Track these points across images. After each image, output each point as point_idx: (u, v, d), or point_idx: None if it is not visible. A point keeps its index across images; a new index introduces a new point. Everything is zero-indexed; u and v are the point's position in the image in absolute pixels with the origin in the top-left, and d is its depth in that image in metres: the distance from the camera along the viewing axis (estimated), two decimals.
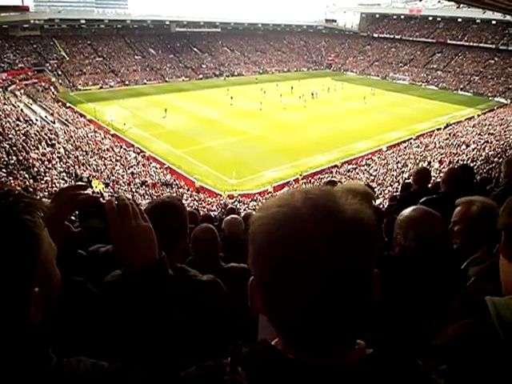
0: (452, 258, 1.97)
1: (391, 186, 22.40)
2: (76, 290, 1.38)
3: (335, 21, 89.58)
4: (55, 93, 45.65)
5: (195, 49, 70.16)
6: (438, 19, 74.27)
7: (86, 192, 1.08)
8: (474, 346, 0.87)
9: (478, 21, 67.89)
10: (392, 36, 78.86)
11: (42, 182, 19.02)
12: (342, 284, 0.59)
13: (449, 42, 70.81)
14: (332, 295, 0.59)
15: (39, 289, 0.71)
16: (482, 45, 66.82)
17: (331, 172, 27.33)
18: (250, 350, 0.66)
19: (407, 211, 1.99)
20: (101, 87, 51.75)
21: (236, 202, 21.93)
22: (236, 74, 66.23)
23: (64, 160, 23.33)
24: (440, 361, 0.78)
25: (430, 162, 26.26)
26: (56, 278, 0.82)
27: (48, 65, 52.82)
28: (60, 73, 52.26)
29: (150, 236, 1.01)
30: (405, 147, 32.23)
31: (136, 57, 62.64)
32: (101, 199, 1.04)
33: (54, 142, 25.62)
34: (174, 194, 22.25)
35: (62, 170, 21.76)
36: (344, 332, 0.63)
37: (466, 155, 26.00)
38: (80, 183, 1.19)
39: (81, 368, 0.77)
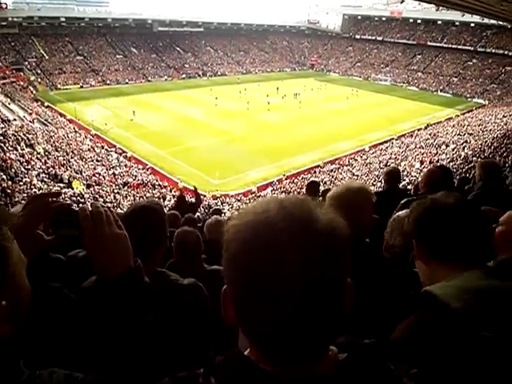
0: None
1: (373, 185, 22.67)
2: (52, 296, 1.35)
3: (318, 22, 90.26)
4: (34, 92, 44.68)
5: (178, 48, 69.67)
6: (419, 21, 75.65)
7: (59, 199, 1.06)
8: (427, 334, 0.92)
9: (457, 23, 69.45)
10: (374, 37, 79.93)
11: (21, 183, 18.58)
12: (317, 295, 0.59)
13: (429, 43, 72.16)
14: (307, 306, 0.59)
15: (7, 302, 0.69)
16: (460, 47, 68.37)
17: (314, 172, 27.52)
18: (223, 360, 0.65)
19: (398, 213, 2.03)
20: (81, 86, 50.89)
21: (220, 203, 21.88)
22: (219, 73, 66.06)
23: (43, 161, 22.86)
24: (407, 362, 0.79)
25: (411, 162, 26.72)
26: (25, 290, 0.79)
27: (27, 63, 51.68)
28: (39, 71, 51.21)
29: (125, 244, 0.99)
30: (386, 147, 32.72)
31: (118, 56, 61.83)
32: (74, 207, 1.02)
33: (33, 142, 25.08)
34: (157, 195, 22.05)
35: (41, 171, 21.31)
36: (318, 342, 0.63)
37: (446, 155, 26.54)
38: (53, 191, 1.16)
39: (54, 380, 0.75)
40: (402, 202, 3.95)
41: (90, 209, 0.98)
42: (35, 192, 17.67)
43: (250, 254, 0.60)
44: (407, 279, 1.72)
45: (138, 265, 1.03)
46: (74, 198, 19.12)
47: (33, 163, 21.81)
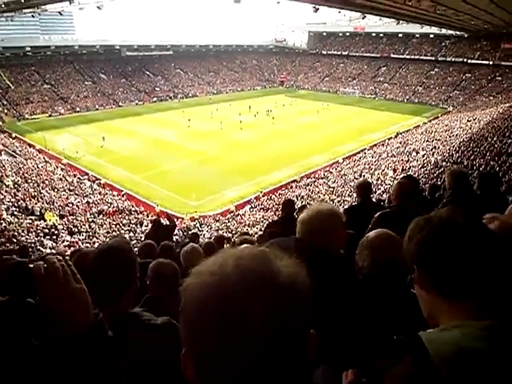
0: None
1: (350, 196, 22.99)
2: (17, 346, 1.27)
3: (285, 40, 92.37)
4: (0, 123, 43.61)
5: (148, 72, 69.73)
6: (381, 35, 78.46)
7: (10, 257, 1.00)
8: None
9: (417, 35, 72.36)
10: (340, 52, 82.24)
11: None
12: (280, 348, 0.58)
13: (392, 55, 74.81)
14: (269, 361, 0.58)
15: None
16: (422, 57, 71.15)
17: (291, 187, 27.72)
18: None
19: (368, 234, 1.98)
20: (50, 115, 50.00)
21: (198, 224, 21.68)
22: (190, 95, 66.32)
23: (13, 193, 22.18)
24: None
25: (384, 171, 27.29)
26: None
27: None
28: (5, 102, 50.11)
29: (83, 299, 0.94)
30: (360, 157, 33.37)
31: (86, 82, 61.30)
32: (28, 264, 0.96)
33: (1, 175, 24.34)
34: (134, 221, 21.67)
35: (11, 204, 20.65)
36: None
37: (417, 161, 27.26)
38: (4, 248, 1.10)
39: None
40: (377, 215, 3.99)
41: (45, 265, 0.92)
42: (5, 227, 17.08)
43: (206, 314, 0.59)
44: (377, 301, 1.69)
45: (99, 319, 0.98)
46: (47, 231, 18.57)
47: (1, 197, 21.12)
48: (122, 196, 25.82)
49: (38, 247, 15.17)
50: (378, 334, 1.41)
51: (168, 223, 8.32)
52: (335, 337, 1.40)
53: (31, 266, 0.94)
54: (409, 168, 26.08)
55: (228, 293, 0.59)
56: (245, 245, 0.77)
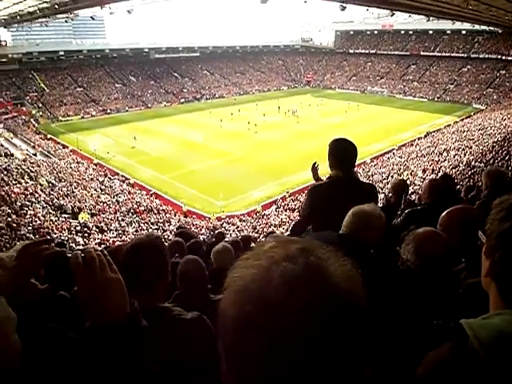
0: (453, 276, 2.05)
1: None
2: (52, 338, 1.31)
3: (311, 39, 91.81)
4: (36, 125, 45.37)
5: (175, 74, 70.86)
6: (410, 32, 76.74)
7: (50, 246, 1.04)
8: (456, 369, 0.85)
9: (448, 32, 70.36)
10: (367, 51, 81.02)
11: (26, 216, 18.67)
12: (327, 367, 0.51)
13: (422, 53, 73.04)
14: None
15: None
16: (454, 54, 69.15)
17: None
18: None
19: (416, 230, 2.14)
20: (82, 117, 51.64)
21: (224, 224, 21.83)
22: (217, 96, 66.91)
23: (47, 192, 23.01)
24: None
25: (413, 171, 26.67)
26: (11, 349, 0.76)
27: (28, 98, 52.65)
28: (40, 105, 52.10)
29: (119, 288, 0.96)
30: (388, 158, 32.72)
31: (116, 85, 62.92)
32: (67, 253, 1.00)
33: (36, 174, 25.31)
34: (162, 220, 22.05)
35: (45, 203, 21.43)
36: None
37: (448, 162, 26.49)
38: (43, 238, 1.13)
39: None
40: (406, 211, 3.92)
41: (83, 255, 0.95)
42: (40, 224, 17.74)
43: (246, 329, 0.52)
44: (424, 292, 1.78)
45: (134, 308, 1.00)
46: (79, 228, 19.17)
47: (37, 195, 21.96)
48: (151, 196, 26.33)
49: (71, 244, 15.68)
50: (419, 321, 1.41)
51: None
52: (381, 331, 1.40)
53: (69, 255, 0.97)
54: (439, 168, 25.37)
55: (272, 303, 0.52)
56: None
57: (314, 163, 3.81)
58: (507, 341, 0.81)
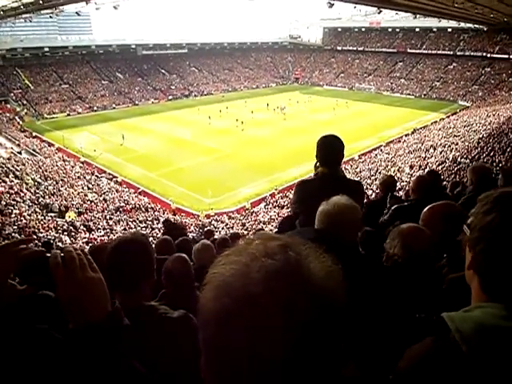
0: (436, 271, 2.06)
1: (365, 193, 22.75)
2: (39, 339, 1.29)
3: (299, 36, 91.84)
4: (21, 123, 44.58)
5: (163, 70, 70.26)
6: (397, 30, 77.31)
7: (28, 246, 1.01)
8: (437, 362, 0.86)
9: (434, 29, 71.09)
10: (355, 48, 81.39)
11: (12, 215, 18.36)
12: (305, 365, 0.51)
13: (409, 50, 73.68)
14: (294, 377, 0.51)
15: None
16: (440, 52, 69.88)
17: None
18: None
19: (400, 225, 2.15)
20: (68, 114, 50.86)
21: (213, 221, 21.78)
22: (205, 93, 66.58)
23: (33, 191, 22.67)
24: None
25: (401, 168, 26.92)
26: None
27: (12, 95, 51.65)
28: (25, 102, 51.19)
29: (100, 288, 0.95)
30: (376, 154, 32.98)
31: (103, 82, 62.13)
32: (46, 253, 0.97)
33: (21, 173, 24.90)
34: (150, 218, 21.90)
35: (31, 202, 21.10)
36: None
37: (435, 158, 26.80)
38: (22, 238, 1.11)
39: None
40: (393, 207, 3.95)
41: (62, 254, 0.93)
42: (26, 224, 17.47)
43: (226, 324, 0.52)
44: (408, 287, 1.78)
45: (115, 307, 0.98)
46: (66, 227, 18.93)
47: (22, 194, 21.62)
48: (139, 194, 26.12)
49: (58, 243, 15.48)
50: (402, 316, 1.43)
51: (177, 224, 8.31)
52: (363, 328, 1.40)
53: (48, 255, 0.95)
54: (426, 164, 25.66)
55: (251, 297, 0.52)
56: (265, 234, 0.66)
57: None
58: (488, 333, 0.82)
